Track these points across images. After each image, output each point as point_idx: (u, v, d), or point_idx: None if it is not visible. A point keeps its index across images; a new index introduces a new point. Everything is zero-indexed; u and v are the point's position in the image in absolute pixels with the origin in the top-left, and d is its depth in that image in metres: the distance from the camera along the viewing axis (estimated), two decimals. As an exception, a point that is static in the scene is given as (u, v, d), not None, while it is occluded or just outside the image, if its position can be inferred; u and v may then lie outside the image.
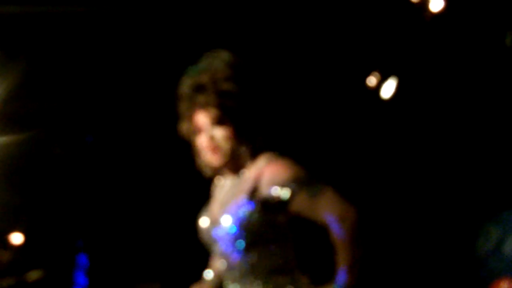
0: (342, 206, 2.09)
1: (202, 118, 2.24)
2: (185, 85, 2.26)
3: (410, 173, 6.25)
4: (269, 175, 2.15)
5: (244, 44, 4.74)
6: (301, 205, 2.11)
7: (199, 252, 2.36)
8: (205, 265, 2.41)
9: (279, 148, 2.26)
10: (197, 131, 2.26)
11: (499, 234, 5.71)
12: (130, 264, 6.83)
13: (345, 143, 6.06)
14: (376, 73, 5.33)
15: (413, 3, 4.44)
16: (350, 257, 2.07)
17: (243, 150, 2.24)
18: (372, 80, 5.33)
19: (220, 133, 2.22)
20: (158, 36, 4.83)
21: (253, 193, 2.16)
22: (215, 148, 2.23)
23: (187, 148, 2.36)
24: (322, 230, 2.15)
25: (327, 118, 5.68)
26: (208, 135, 2.23)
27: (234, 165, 2.27)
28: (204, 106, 2.23)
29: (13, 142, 5.39)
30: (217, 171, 2.33)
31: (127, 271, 7.15)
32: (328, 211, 2.09)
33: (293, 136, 5.27)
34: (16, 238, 6.53)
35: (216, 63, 2.26)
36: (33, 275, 5.99)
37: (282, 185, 2.11)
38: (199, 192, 2.55)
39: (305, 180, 2.12)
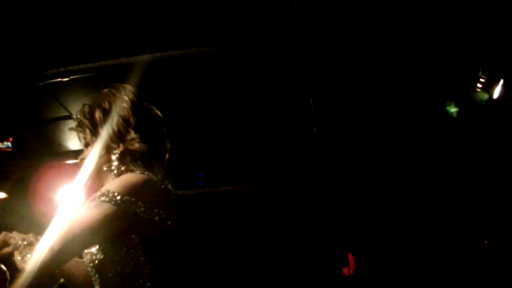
0: (66, 232, 1.94)
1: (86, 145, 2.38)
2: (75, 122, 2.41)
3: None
4: (105, 187, 2.13)
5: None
6: None
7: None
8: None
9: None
10: None
11: None
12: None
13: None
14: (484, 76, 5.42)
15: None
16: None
17: (107, 167, 2.27)
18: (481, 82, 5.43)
19: (87, 153, 2.32)
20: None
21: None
22: (84, 167, 2.31)
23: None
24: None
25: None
26: (80, 158, 2.34)
27: (103, 181, 2.29)
28: (80, 138, 2.38)
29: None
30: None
31: None
32: (73, 218, 1.99)
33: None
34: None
35: (96, 99, 2.38)
36: None
37: (94, 196, 2.08)
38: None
39: (103, 196, 2.04)
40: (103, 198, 2.00)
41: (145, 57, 4.33)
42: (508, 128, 5.97)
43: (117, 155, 2.25)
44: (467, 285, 6.66)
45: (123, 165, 2.25)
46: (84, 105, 2.37)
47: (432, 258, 7.16)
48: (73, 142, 6.16)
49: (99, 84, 4.87)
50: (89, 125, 2.31)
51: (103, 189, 2.04)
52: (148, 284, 2.03)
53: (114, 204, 1.99)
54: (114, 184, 2.08)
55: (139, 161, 2.26)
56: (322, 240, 7.61)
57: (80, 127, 2.35)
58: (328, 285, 7.86)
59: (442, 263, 7.03)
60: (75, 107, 5.38)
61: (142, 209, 2.03)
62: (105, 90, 2.38)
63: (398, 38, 4.81)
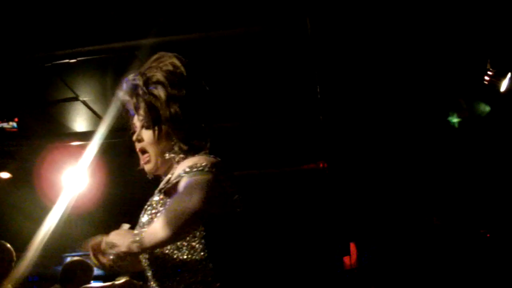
0: (196, 193, 1.83)
1: (135, 121, 2.19)
2: (122, 87, 2.19)
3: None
4: (179, 168, 2.02)
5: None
6: (179, 186, 1.94)
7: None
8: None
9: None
10: (133, 134, 2.21)
11: None
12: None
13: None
14: (492, 69, 5.40)
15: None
16: (154, 230, 1.84)
17: (172, 154, 2.14)
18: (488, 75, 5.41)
19: (146, 137, 2.15)
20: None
21: (162, 187, 2.07)
22: (143, 151, 2.17)
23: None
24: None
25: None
26: (137, 139, 2.17)
27: (165, 168, 2.17)
28: (134, 110, 2.16)
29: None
30: (155, 175, 2.21)
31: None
32: (184, 190, 1.89)
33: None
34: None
35: (154, 65, 2.18)
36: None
37: (183, 172, 1.96)
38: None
39: (199, 167, 1.94)
40: (195, 170, 1.93)
41: (152, 40, 4.32)
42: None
43: (180, 144, 2.13)
44: (469, 277, 6.67)
45: (186, 154, 2.12)
46: (142, 74, 2.16)
47: (434, 249, 7.17)
48: (78, 124, 6.16)
49: (106, 66, 4.90)
50: (150, 106, 2.12)
51: (192, 164, 1.95)
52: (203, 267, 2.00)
53: (212, 174, 1.92)
54: (198, 160, 1.99)
55: (200, 150, 2.14)
56: (326, 228, 7.62)
57: (135, 100, 2.15)
58: (330, 274, 7.87)
59: (445, 254, 7.04)
60: (82, 89, 5.38)
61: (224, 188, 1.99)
62: (169, 67, 2.16)
63: (408, 29, 4.79)
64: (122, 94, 2.18)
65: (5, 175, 6.76)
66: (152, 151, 2.15)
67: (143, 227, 1.98)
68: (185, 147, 2.12)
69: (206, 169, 1.93)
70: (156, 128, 2.12)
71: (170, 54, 2.22)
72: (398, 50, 5.04)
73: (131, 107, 2.17)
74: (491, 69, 5.31)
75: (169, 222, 1.79)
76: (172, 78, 2.12)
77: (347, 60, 5.17)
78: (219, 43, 4.76)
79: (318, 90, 5.37)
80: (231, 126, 5.97)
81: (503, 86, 5.44)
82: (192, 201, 1.80)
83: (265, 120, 6.04)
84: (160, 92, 2.10)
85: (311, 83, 5.31)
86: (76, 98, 5.49)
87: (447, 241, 7.11)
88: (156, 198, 2.06)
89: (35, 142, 6.31)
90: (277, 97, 5.67)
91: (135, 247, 1.85)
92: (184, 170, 1.95)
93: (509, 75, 5.41)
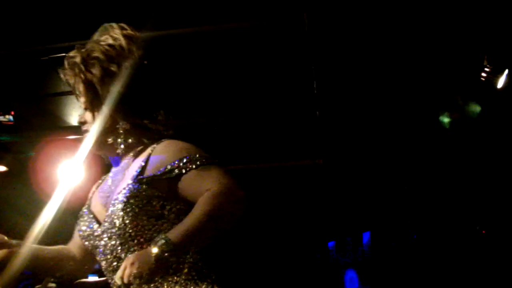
0: (229, 183, 1.79)
1: (80, 102, 2.05)
2: (65, 61, 2.04)
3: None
4: (158, 155, 1.90)
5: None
6: (190, 180, 1.83)
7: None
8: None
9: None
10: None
11: None
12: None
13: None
14: (489, 65, 5.40)
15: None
16: (199, 220, 1.73)
17: (117, 135, 1.98)
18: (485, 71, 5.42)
19: (88, 118, 2.01)
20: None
21: (139, 176, 1.88)
22: (85, 132, 2.02)
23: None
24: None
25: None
26: (79, 122, 2.05)
27: (114, 151, 2.02)
28: (74, 90, 2.02)
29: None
30: (105, 157, 2.09)
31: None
32: (213, 184, 1.79)
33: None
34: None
35: (96, 39, 2.02)
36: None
37: (172, 163, 1.84)
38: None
39: (195, 158, 1.83)
40: (198, 160, 1.83)
41: (148, 34, 4.30)
42: (509, 119, 5.97)
43: (124, 125, 1.98)
44: (465, 273, 6.68)
45: (133, 137, 1.99)
46: (82, 51, 1.99)
47: (430, 246, 7.18)
48: (75, 117, 6.15)
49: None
50: (88, 85, 1.97)
51: (183, 154, 1.84)
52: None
53: (219, 164, 1.87)
54: (183, 146, 1.89)
55: (160, 135, 2.00)
56: (321, 224, 7.63)
57: (74, 80, 1.99)
58: (324, 269, 7.88)
59: (440, 251, 7.06)
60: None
61: None
62: (109, 40, 1.98)
63: (405, 25, 4.79)
64: (63, 73, 2.04)
65: (1, 168, 6.75)
66: (93, 131, 2.00)
67: (128, 218, 1.83)
68: (128, 127, 1.97)
69: (210, 160, 1.86)
70: (95, 108, 1.97)
71: (114, 25, 2.04)
72: (395, 46, 5.04)
73: (72, 87, 2.02)
74: (488, 66, 5.31)
75: (219, 217, 1.74)
76: (110, 53, 1.95)
77: (344, 56, 5.17)
78: (215, 38, 4.75)
79: (315, 85, 5.37)
80: (227, 120, 5.96)
81: (500, 82, 5.44)
82: (240, 198, 1.77)
83: (261, 115, 6.04)
84: (96, 69, 1.94)
85: (307, 78, 5.31)
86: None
87: (444, 237, 7.12)
88: (132, 186, 1.86)
89: (32, 136, 6.30)
90: (274, 92, 5.67)
91: (168, 255, 1.68)
92: (179, 163, 1.83)
93: (506, 71, 5.41)
